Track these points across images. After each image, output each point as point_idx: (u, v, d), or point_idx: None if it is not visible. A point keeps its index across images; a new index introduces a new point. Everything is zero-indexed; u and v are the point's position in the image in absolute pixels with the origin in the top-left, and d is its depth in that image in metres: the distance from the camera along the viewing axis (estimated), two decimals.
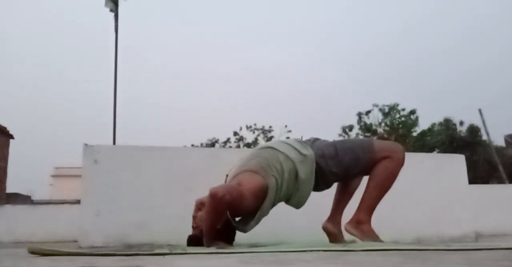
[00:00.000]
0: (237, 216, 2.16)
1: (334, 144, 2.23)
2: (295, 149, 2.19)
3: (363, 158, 2.14)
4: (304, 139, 2.33)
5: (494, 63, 55.74)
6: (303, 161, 2.15)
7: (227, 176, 2.30)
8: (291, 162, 2.14)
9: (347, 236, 2.27)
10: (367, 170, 2.19)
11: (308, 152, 2.18)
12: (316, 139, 2.33)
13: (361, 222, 2.12)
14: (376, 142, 2.25)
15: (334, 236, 2.26)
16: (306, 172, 2.14)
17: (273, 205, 2.17)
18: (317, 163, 2.16)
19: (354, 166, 2.16)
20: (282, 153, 2.17)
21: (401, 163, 2.15)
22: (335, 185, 2.36)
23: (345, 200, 2.32)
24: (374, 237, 2.11)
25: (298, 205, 2.26)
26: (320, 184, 2.22)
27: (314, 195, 3.18)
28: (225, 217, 2.04)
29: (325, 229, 2.28)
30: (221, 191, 1.96)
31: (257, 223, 2.12)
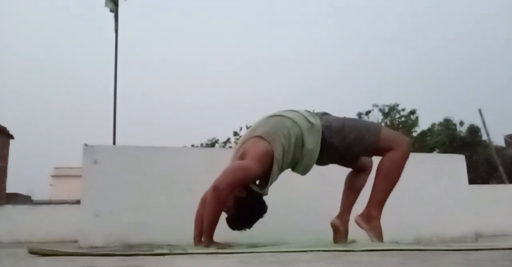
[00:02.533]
0: (254, 182, 2.19)
1: (343, 120, 2.25)
2: (304, 116, 2.22)
3: (367, 140, 2.16)
4: (315, 112, 2.34)
5: (494, 63, 55.77)
6: (310, 129, 2.18)
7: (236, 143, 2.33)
8: (298, 128, 2.17)
9: (349, 235, 2.28)
10: (368, 152, 2.23)
11: (316, 121, 2.21)
12: (326, 113, 2.35)
13: (372, 217, 2.14)
14: (384, 129, 2.27)
15: (340, 234, 2.27)
16: (312, 141, 2.16)
17: (281, 170, 2.21)
18: (322, 133, 2.18)
19: (357, 145, 2.17)
20: (290, 118, 2.20)
21: (406, 155, 2.16)
22: (340, 183, 2.37)
23: (353, 197, 2.34)
24: (380, 235, 2.13)
25: (303, 172, 2.29)
26: (324, 157, 2.24)
27: (314, 195, 3.19)
28: (243, 188, 2.12)
29: (333, 225, 2.29)
30: (222, 184, 2.03)
31: (269, 186, 2.19)
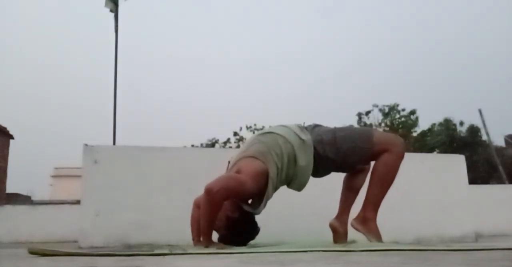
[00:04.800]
0: (246, 201, 2.18)
1: (334, 131, 2.23)
2: (294, 133, 2.20)
3: (361, 147, 2.15)
4: (306, 125, 2.32)
5: (494, 63, 55.77)
6: (301, 145, 2.16)
7: (229, 162, 2.32)
8: (290, 145, 2.16)
9: (348, 236, 2.27)
10: (365, 159, 2.21)
11: (307, 137, 2.19)
12: (317, 125, 2.33)
13: (367, 219, 2.13)
14: (376, 133, 2.26)
15: (339, 235, 2.26)
16: (305, 158, 2.15)
17: (276, 188, 2.20)
18: (314, 148, 2.17)
19: (352, 154, 2.16)
20: (282, 136, 2.19)
21: (400, 156, 2.15)
22: (340, 184, 2.36)
23: (351, 198, 2.32)
24: (378, 236, 2.12)
25: (298, 188, 2.28)
26: (319, 170, 2.23)
27: (314, 195, 3.19)
28: (236, 206, 2.11)
29: (332, 226, 2.28)
30: (215, 186, 2.00)
31: (264, 206, 2.16)
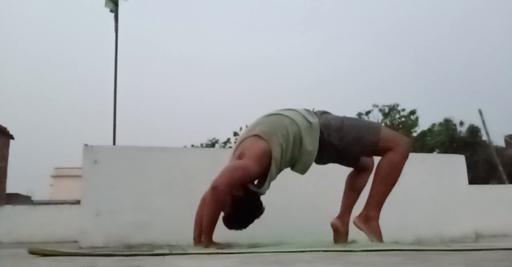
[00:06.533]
0: (252, 182, 2.19)
1: (342, 119, 2.24)
2: (302, 115, 2.21)
3: (366, 139, 2.15)
4: (315, 111, 2.32)
5: (494, 63, 55.75)
6: (308, 128, 2.16)
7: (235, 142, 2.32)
8: (296, 127, 2.16)
9: (349, 236, 2.28)
10: (367, 152, 2.22)
11: (314, 120, 2.19)
12: (326, 112, 2.33)
13: (370, 218, 2.13)
14: (384, 129, 2.26)
15: (340, 234, 2.27)
16: (311, 140, 2.15)
17: (280, 170, 2.21)
18: (320, 132, 2.17)
19: (355, 145, 2.16)
20: (288, 117, 2.19)
21: (405, 156, 2.15)
22: (340, 184, 2.36)
23: (353, 198, 2.33)
24: (379, 236, 2.12)
25: (302, 171, 2.28)
26: (323, 156, 2.23)
27: (314, 196, 3.19)
28: (241, 189, 2.11)
29: (333, 226, 2.28)
30: (221, 184, 2.02)
31: (268, 186, 2.18)
